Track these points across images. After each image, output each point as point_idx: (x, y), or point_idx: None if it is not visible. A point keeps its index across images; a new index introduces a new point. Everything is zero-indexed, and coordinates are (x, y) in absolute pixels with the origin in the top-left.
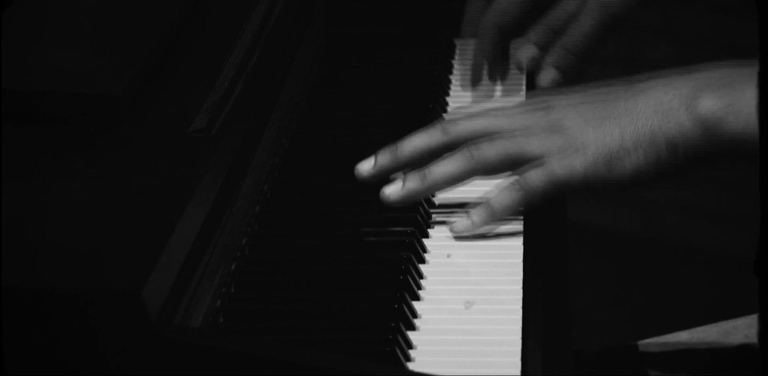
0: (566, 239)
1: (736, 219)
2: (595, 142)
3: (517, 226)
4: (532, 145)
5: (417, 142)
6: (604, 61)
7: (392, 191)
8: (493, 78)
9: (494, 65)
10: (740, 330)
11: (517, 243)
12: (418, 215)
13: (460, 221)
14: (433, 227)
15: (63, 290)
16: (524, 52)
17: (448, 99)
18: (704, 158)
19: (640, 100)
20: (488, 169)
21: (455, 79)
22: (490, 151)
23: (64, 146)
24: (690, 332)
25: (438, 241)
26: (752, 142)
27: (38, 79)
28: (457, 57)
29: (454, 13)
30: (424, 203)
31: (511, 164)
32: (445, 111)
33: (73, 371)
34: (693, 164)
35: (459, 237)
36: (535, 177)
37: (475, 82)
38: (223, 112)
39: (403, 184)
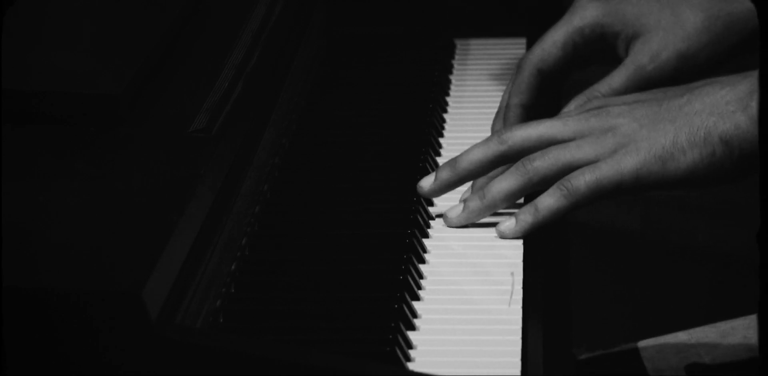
0: (566, 238)
1: (736, 218)
2: (648, 141)
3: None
4: (583, 151)
5: (474, 155)
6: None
7: (454, 214)
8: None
9: (528, 108)
10: (739, 331)
11: (517, 243)
12: (419, 215)
13: (506, 224)
14: (433, 227)
15: (63, 290)
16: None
17: (448, 99)
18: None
19: (695, 101)
20: (544, 181)
21: (455, 79)
22: (543, 163)
23: (64, 146)
24: (689, 332)
25: (438, 241)
26: None
27: (38, 79)
28: (457, 57)
29: (454, 13)
30: (424, 202)
31: (565, 172)
32: (446, 111)
33: (74, 371)
34: (752, 164)
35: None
36: (581, 180)
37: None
38: (223, 112)
39: (465, 206)
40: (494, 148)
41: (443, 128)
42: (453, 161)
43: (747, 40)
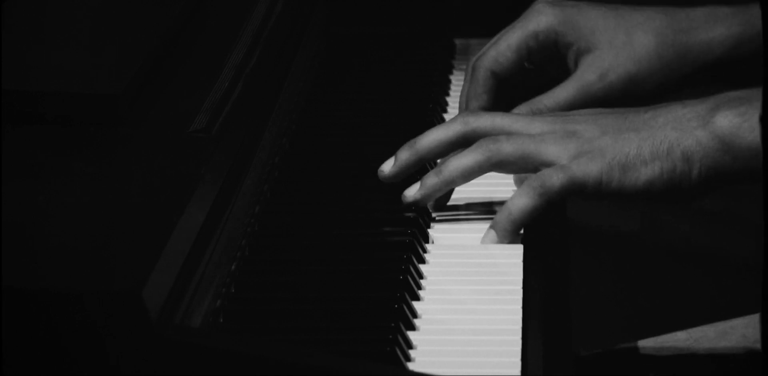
0: (566, 238)
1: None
2: (613, 148)
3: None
4: (548, 148)
5: (436, 134)
6: None
7: (411, 192)
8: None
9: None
10: (738, 330)
11: (517, 243)
12: (419, 215)
13: (486, 234)
14: (433, 227)
15: (63, 290)
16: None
17: (448, 99)
18: (723, 174)
19: (659, 116)
20: (503, 164)
21: (455, 79)
22: (507, 146)
23: (64, 146)
24: (687, 332)
25: (438, 241)
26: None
27: (38, 79)
28: (457, 57)
29: (454, 13)
30: None
31: (525, 163)
32: (446, 111)
33: (73, 371)
34: (711, 180)
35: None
36: (554, 177)
37: None
38: (223, 112)
39: (421, 183)
40: (456, 129)
41: None
42: (413, 141)
43: (700, 71)
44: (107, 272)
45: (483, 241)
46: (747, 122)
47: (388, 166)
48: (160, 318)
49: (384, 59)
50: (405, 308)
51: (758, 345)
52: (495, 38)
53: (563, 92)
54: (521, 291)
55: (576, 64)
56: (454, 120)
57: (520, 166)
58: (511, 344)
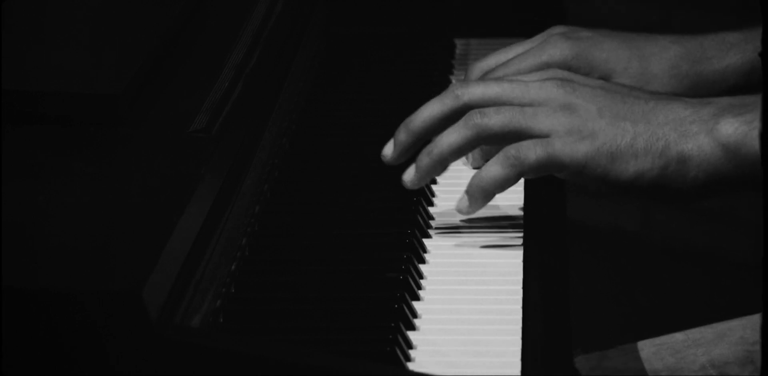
0: (566, 238)
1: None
2: (606, 134)
3: (517, 228)
4: (539, 121)
5: (428, 111)
6: None
7: (409, 176)
8: None
9: None
10: (736, 331)
11: (517, 243)
12: (419, 215)
13: (460, 200)
14: (432, 227)
15: (63, 290)
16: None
17: None
18: (725, 181)
19: (659, 113)
20: (491, 138)
21: (455, 79)
22: (495, 119)
23: (64, 146)
24: (685, 333)
25: (438, 241)
26: None
27: (38, 79)
28: (457, 57)
29: (454, 13)
30: (424, 202)
31: (515, 137)
32: None
33: (73, 371)
34: (711, 186)
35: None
36: (532, 150)
37: None
38: (223, 112)
39: (416, 166)
40: (449, 104)
41: None
42: (407, 120)
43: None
44: (107, 272)
45: (457, 206)
46: (755, 130)
47: (389, 150)
48: (160, 318)
49: (384, 59)
50: (405, 308)
51: (757, 347)
52: (504, 54)
53: None
54: (521, 291)
55: None
56: (445, 94)
57: (512, 140)
58: (511, 344)
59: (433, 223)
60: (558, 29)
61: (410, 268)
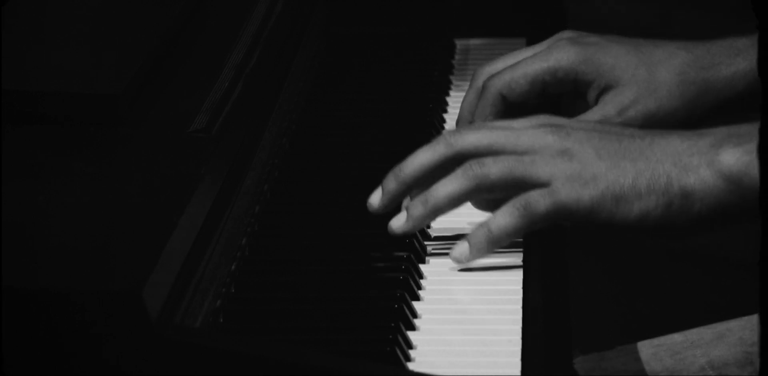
0: (566, 238)
1: None
2: (607, 177)
3: None
4: (538, 169)
5: (419, 159)
6: None
7: (398, 223)
8: None
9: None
10: (735, 332)
11: (517, 243)
12: None
13: (458, 247)
14: (432, 228)
15: (63, 290)
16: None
17: (448, 99)
18: (729, 213)
19: (657, 148)
20: (490, 188)
21: (455, 79)
22: (493, 169)
23: (64, 146)
24: (684, 333)
25: (438, 241)
26: None
27: (38, 79)
28: (457, 57)
29: (454, 13)
30: None
31: (514, 186)
32: (445, 111)
33: (73, 372)
34: (716, 219)
35: (459, 266)
36: (540, 200)
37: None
38: (223, 112)
39: (408, 214)
40: (441, 152)
41: (443, 128)
42: (397, 169)
43: (723, 106)
44: (107, 272)
45: (452, 254)
46: (757, 160)
47: (376, 199)
48: (160, 318)
49: (384, 59)
50: (405, 308)
51: (755, 349)
52: (512, 58)
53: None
54: (521, 291)
55: (596, 101)
56: (437, 142)
57: (511, 189)
58: (511, 344)
59: (433, 223)
60: (566, 34)
61: (410, 268)
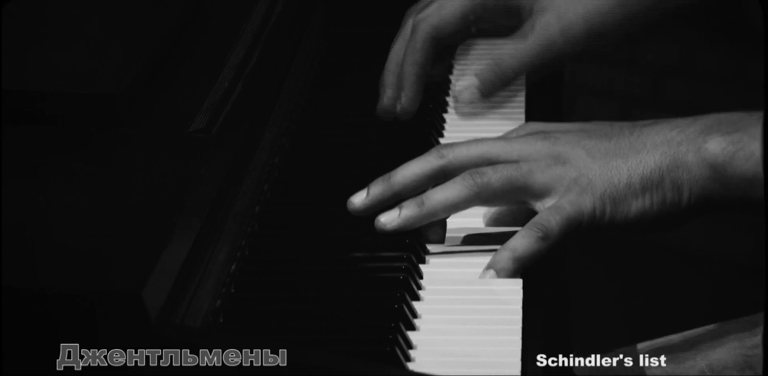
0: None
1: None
2: (602, 179)
3: (517, 228)
4: (537, 177)
5: (411, 168)
6: (576, 93)
7: (388, 219)
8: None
9: (423, 66)
10: (734, 334)
11: None
12: None
13: (488, 274)
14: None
15: (63, 290)
16: (464, 82)
17: (447, 99)
18: (713, 201)
19: (646, 139)
20: (490, 198)
21: (455, 79)
22: (493, 178)
23: (63, 146)
24: (683, 335)
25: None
26: (760, 185)
27: (38, 79)
28: (457, 57)
29: None
30: None
31: (514, 195)
32: (446, 111)
33: (74, 372)
34: (701, 207)
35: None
36: (552, 220)
37: (385, 85)
38: (223, 112)
39: (400, 212)
40: (432, 163)
41: (443, 128)
42: (387, 175)
43: (667, 17)
44: (107, 272)
45: (484, 277)
46: (742, 151)
47: (359, 199)
48: (160, 318)
49: (384, 59)
50: (405, 308)
51: (754, 352)
52: (441, 3)
53: (526, 51)
54: (521, 292)
55: (533, 24)
56: (429, 153)
57: (510, 198)
58: (511, 344)
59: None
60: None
61: (410, 268)
